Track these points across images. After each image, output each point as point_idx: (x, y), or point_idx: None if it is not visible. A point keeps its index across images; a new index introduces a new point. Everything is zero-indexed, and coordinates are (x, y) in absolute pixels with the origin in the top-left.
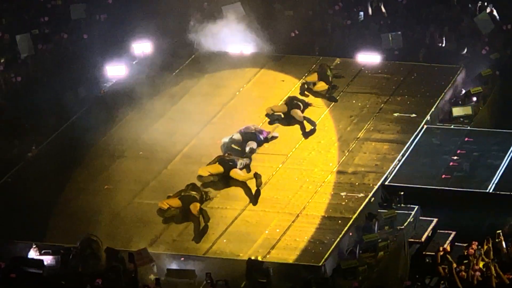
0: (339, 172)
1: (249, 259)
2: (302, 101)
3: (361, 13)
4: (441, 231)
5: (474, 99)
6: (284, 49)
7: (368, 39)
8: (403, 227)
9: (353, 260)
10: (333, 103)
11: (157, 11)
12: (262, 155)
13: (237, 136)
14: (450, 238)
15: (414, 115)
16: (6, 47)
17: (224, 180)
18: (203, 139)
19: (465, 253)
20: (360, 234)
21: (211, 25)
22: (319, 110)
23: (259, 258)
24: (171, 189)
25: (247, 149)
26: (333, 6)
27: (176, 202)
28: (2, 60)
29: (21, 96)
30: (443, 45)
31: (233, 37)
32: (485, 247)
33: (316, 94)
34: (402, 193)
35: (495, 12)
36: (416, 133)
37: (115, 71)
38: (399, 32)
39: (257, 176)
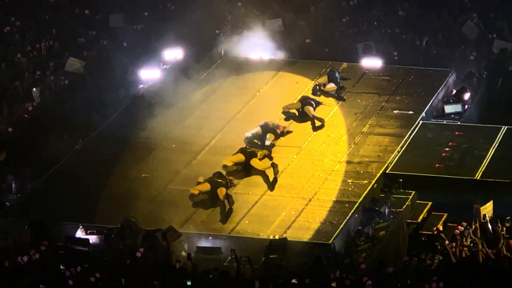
0: (346, 162)
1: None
2: (314, 100)
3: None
4: (435, 213)
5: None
6: (298, 55)
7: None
8: (402, 209)
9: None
10: (341, 102)
11: (187, 22)
12: (279, 147)
13: (257, 130)
14: (443, 219)
15: (411, 112)
16: (56, 53)
17: (246, 170)
18: (228, 133)
19: (456, 232)
20: (366, 215)
21: (235, 34)
22: (329, 108)
23: (276, 237)
24: (201, 175)
25: (267, 142)
26: (341, 19)
27: (205, 187)
28: (51, 64)
29: (69, 96)
30: (436, 51)
31: (254, 45)
32: (473, 226)
33: (326, 94)
34: (401, 180)
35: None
36: (413, 128)
37: (151, 74)
38: (371, 42)
39: (274, 165)
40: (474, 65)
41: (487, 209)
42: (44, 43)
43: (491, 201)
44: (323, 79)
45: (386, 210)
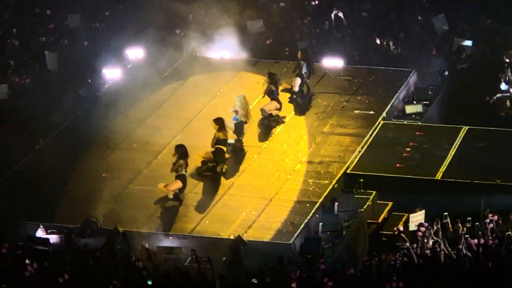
0: (307, 162)
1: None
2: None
3: (326, 22)
4: (395, 213)
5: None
6: (259, 55)
7: (332, 46)
8: (362, 209)
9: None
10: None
11: (148, 21)
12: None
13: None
14: (403, 219)
15: (372, 112)
16: (17, 52)
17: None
18: (188, 133)
19: (418, 233)
20: (326, 215)
21: (195, 34)
22: (288, 107)
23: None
24: (161, 177)
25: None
26: (302, 19)
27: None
28: (12, 63)
29: (29, 96)
30: (397, 51)
31: (214, 44)
32: (435, 227)
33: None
34: (361, 180)
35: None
36: (374, 128)
37: (112, 74)
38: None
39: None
40: (433, 65)
41: (417, 218)
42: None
43: (423, 211)
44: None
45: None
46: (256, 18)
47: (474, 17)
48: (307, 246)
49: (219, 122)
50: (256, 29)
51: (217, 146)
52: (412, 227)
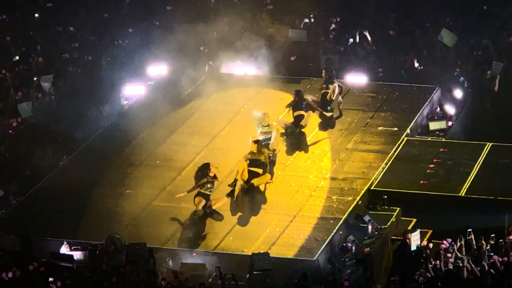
0: (331, 178)
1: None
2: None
3: (351, 39)
4: (420, 229)
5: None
6: (282, 71)
7: (355, 63)
8: (386, 226)
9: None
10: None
11: (171, 38)
12: None
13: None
14: (427, 236)
15: (396, 128)
16: (41, 68)
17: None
18: (212, 150)
19: (441, 247)
20: (350, 231)
21: (219, 50)
22: (313, 124)
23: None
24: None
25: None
26: (327, 35)
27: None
28: (35, 80)
29: (54, 112)
30: (421, 67)
31: (239, 61)
32: (458, 244)
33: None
34: (385, 196)
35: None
36: (397, 144)
37: (135, 90)
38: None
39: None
40: (458, 82)
41: (414, 237)
42: (31, 59)
43: (418, 230)
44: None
45: (370, 227)
46: (279, 36)
47: (498, 34)
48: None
49: (259, 143)
50: (298, 38)
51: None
52: (414, 246)
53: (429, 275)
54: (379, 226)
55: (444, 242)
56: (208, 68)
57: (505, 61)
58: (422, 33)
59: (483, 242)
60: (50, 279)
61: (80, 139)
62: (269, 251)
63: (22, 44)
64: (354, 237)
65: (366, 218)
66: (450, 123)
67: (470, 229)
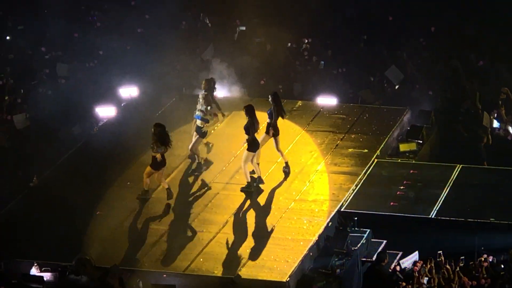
0: (301, 200)
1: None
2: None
3: (322, 62)
4: (389, 251)
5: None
6: (253, 93)
7: (326, 84)
8: (357, 247)
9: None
10: (295, 139)
11: (143, 60)
12: (234, 185)
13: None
14: (397, 258)
15: (366, 150)
16: (11, 91)
17: (202, 206)
18: (183, 171)
19: (415, 269)
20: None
21: (190, 72)
22: (283, 145)
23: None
24: (155, 214)
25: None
26: (299, 58)
27: None
28: (6, 101)
29: (24, 133)
30: (391, 89)
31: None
32: (428, 265)
33: None
34: (356, 218)
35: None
36: (368, 166)
37: (106, 112)
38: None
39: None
40: (428, 103)
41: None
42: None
43: (416, 252)
44: None
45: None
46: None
47: (466, 56)
48: None
49: None
50: (210, 56)
51: None
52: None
53: None
54: (351, 248)
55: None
56: (183, 90)
57: (475, 82)
58: (391, 54)
59: (453, 264)
60: None
61: (51, 160)
62: (238, 273)
63: None
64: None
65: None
66: (420, 145)
67: (440, 251)
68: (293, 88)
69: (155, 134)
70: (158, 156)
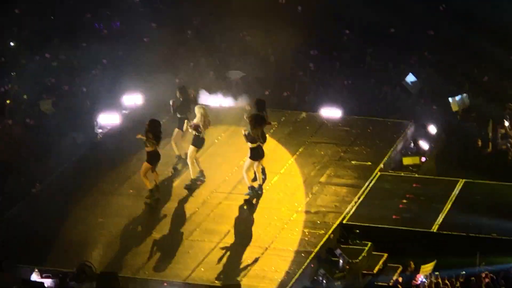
0: (303, 212)
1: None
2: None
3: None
4: (391, 264)
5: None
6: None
7: (330, 96)
8: (357, 260)
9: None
10: (299, 150)
11: (147, 68)
12: (236, 195)
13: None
14: (398, 271)
15: (369, 163)
16: (13, 95)
17: (204, 215)
18: (185, 180)
19: (413, 283)
20: (321, 265)
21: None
22: (286, 157)
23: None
24: (157, 222)
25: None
26: (304, 69)
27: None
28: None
29: (27, 140)
30: (395, 102)
31: (214, 93)
32: (428, 280)
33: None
34: (357, 231)
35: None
36: (371, 179)
37: (110, 119)
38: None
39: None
40: (432, 118)
41: (426, 269)
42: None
43: (434, 262)
44: None
45: (341, 261)
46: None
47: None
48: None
49: None
50: (236, 77)
51: None
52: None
53: None
54: (350, 260)
55: (417, 277)
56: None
57: (480, 98)
58: (396, 68)
59: (453, 279)
60: None
61: (54, 167)
62: (240, 283)
63: None
64: (325, 270)
65: (337, 252)
66: (423, 159)
67: (438, 272)
68: (292, 98)
69: (148, 126)
70: (151, 148)
